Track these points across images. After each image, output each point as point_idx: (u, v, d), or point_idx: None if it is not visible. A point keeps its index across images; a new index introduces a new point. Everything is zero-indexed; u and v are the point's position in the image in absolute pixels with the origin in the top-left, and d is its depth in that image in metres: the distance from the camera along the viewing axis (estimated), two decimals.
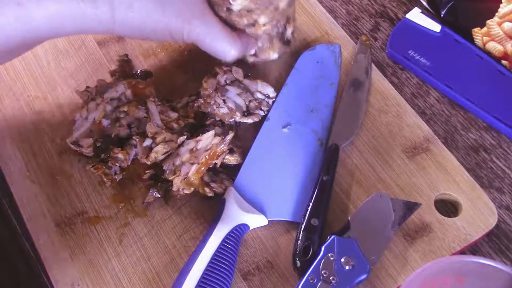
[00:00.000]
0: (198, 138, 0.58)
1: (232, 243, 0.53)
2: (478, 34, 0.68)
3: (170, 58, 0.66)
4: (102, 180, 0.58)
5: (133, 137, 0.58)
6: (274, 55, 0.62)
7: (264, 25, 0.57)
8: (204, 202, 0.57)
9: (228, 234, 0.53)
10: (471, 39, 0.69)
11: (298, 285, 0.50)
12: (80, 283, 0.53)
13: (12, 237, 0.58)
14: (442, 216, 0.57)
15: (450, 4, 0.70)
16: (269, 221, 0.56)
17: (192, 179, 0.55)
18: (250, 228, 0.55)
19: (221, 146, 0.56)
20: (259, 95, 0.62)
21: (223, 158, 0.57)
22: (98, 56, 0.66)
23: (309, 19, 0.69)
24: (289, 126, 0.61)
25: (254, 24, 0.57)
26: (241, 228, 0.54)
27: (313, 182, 0.57)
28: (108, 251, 0.55)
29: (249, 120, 0.60)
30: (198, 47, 0.55)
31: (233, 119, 0.60)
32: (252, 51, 0.60)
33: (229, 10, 0.56)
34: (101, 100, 0.60)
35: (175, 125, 0.59)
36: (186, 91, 0.64)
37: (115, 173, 0.58)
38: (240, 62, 0.61)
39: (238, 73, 0.62)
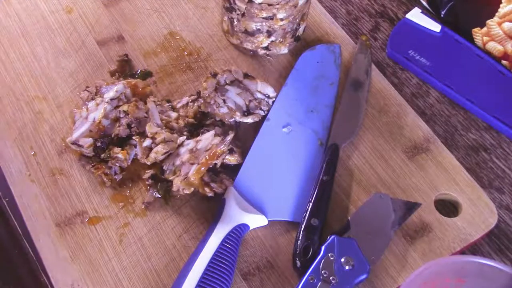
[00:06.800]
0: (198, 138, 0.58)
1: (232, 243, 0.53)
2: (478, 34, 0.68)
3: (170, 58, 0.66)
4: (102, 180, 0.58)
5: (133, 137, 0.58)
6: (284, 50, 0.66)
7: (281, 19, 0.61)
8: (204, 202, 0.57)
9: (228, 234, 0.53)
10: (471, 39, 0.69)
11: (298, 285, 0.50)
12: (80, 283, 0.53)
13: (12, 237, 0.58)
14: (442, 216, 0.57)
15: (450, 4, 0.70)
16: (269, 221, 0.56)
17: (192, 179, 0.55)
18: (250, 228, 0.55)
19: (221, 146, 0.56)
20: (259, 95, 0.62)
21: (223, 158, 0.57)
22: (98, 56, 0.66)
23: (309, 19, 0.69)
24: (289, 126, 0.61)
25: (272, 17, 0.60)
26: (241, 228, 0.54)
27: (313, 182, 0.57)
28: (108, 251, 0.55)
29: (249, 120, 0.60)
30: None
31: (233, 119, 0.60)
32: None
33: (250, 1, 0.59)
34: (101, 100, 0.60)
35: (175, 125, 0.59)
36: (186, 91, 0.64)
37: (115, 173, 0.58)
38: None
39: (237, 73, 0.62)
